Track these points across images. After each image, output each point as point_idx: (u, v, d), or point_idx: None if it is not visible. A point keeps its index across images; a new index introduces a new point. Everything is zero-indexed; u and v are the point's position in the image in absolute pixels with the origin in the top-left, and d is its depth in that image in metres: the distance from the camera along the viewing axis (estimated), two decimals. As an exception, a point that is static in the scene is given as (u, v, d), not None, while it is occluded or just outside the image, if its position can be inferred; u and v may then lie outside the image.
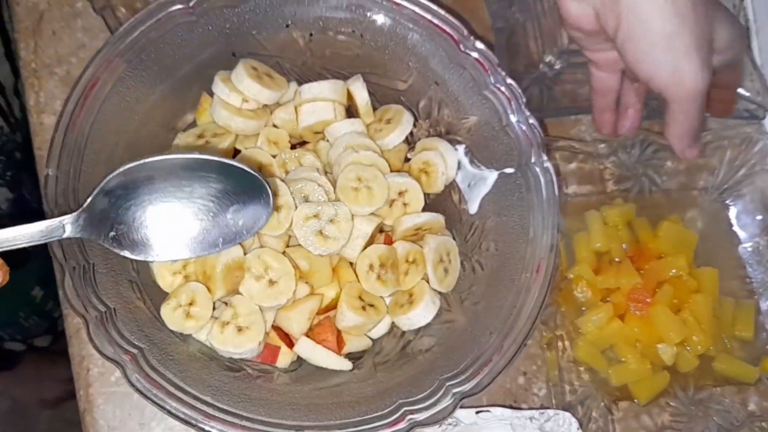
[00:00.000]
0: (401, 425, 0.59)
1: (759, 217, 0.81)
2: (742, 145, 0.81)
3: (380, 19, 0.69)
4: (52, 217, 0.58)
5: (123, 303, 0.60)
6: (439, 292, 0.69)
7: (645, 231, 0.79)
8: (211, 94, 0.70)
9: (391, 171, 0.71)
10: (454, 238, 0.71)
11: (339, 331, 0.67)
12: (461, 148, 0.72)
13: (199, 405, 0.57)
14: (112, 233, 0.54)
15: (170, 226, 0.55)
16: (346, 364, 0.66)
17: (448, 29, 0.68)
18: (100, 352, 0.57)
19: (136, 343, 0.58)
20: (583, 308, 0.76)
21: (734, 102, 0.78)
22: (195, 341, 0.63)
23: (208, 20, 0.68)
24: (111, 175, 0.52)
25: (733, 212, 0.82)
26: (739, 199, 0.82)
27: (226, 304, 0.64)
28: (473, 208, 0.71)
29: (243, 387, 0.61)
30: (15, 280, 0.52)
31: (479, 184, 0.71)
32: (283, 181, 0.66)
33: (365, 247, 0.66)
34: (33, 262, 1.05)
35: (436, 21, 0.68)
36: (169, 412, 0.56)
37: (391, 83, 0.74)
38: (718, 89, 0.65)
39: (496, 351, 0.62)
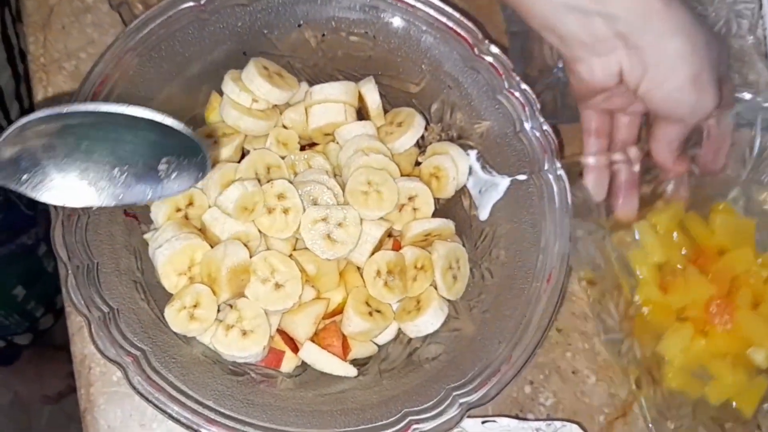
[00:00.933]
0: (405, 435, 0.58)
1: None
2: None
3: (394, 20, 0.68)
4: (58, 214, 0.57)
5: (126, 304, 0.59)
6: (448, 300, 0.68)
7: (700, 228, 0.71)
8: (221, 93, 0.69)
9: (402, 175, 0.70)
10: (463, 245, 0.70)
11: (345, 337, 0.66)
12: (473, 153, 0.71)
13: (201, 409, 0.56)
14: (26, 176, 0.50)
15: (94, 171, 0.52)
16: (351, 370, 0.65)
17: (462, 32, 0.67)
18: (102, 353, 0.56)
19: (139, 345, 0.57)
20: (660, 333, 0.69)
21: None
22: (199, 344, 0.62)
23: (220, 18, 0.67)
24: (28, 119, 0.48)
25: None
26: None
27: (231, 306, 0.63)
28: (484, 214, 0.70)
29: (246, 392, 0.60)
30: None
31: (491, 191, 0.69)
32: (291, 183, 0.64)
33: (373, 252, 0.65)
34: (16, 262, 1.05)
35: (450, 24, 0.67)
36: (171, 416, 0.55)
37: (404, 86, 0.73)
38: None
39: (504, 361, 0.61)
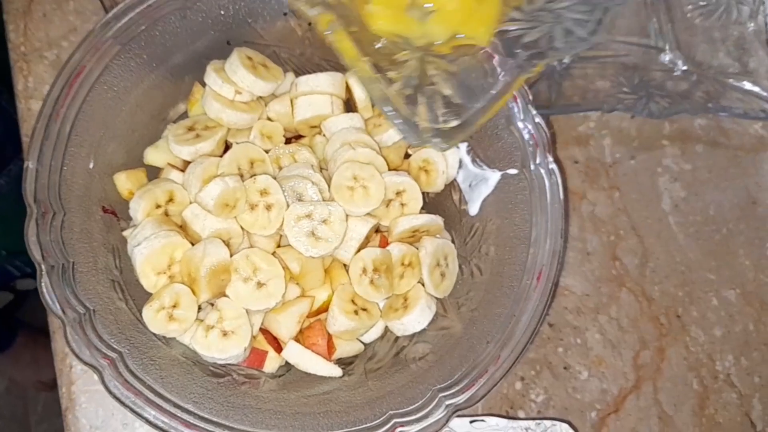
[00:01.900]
0: (390, 439, 0.56)
1: None
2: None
3: (382, 9, 0.66)
4: (32, 212, 0.56)
5: (103, 304, 0.58)
6: (436, 298, 0.66)
7: None
8: (204, 84, 0.67)
9: (390, 168, 0.68)
10: (453, 240, 0.68)
11: (330, 336, 0.64)
12: (463, 146, 0.69)
13: (179, 413, 0.55)
14: None
15: None
16: (335, 371, 0.63)
17: (452, 21, 0.65)
18: (77, 356, 0.54)
19: (116, 347, 0.56)
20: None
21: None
22: (178, 344, 0.61)
23: (203, 6, 0.65)
24: None
25: None
26: None
27: (212, 305, 0.61)
28: (474, 209, 0.68)
29: (227, 394, 0.58)
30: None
31: (481, 185, 0.68)
32: (275, 178, 0.63)
33: (359, 249, 0.64)
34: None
35: (439, 13, 0.65)
36: (148, 421, 0.54)
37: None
38: None
39: (492, 361, 0.59)
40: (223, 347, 0.59)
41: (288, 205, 0.62)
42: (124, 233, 0.63)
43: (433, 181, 0.68)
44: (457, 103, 0.59)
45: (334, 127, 0.68)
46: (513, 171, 0.65)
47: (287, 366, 0.64)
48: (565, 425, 0.69)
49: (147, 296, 0.60)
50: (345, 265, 0.65)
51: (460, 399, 0.58)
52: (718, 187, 0.83)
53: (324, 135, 0.69)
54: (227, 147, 0.67)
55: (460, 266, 0.67)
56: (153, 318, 0.58)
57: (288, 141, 0.68)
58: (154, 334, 0.59)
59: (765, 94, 0.77)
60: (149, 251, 0.59)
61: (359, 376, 0.63)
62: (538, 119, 0.64)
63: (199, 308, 0.60)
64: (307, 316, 0.64)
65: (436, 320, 0.65)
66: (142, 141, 0.67)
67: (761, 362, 0.78)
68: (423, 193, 0.68)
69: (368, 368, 0.64)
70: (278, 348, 0.63)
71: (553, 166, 0.64)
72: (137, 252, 0.59)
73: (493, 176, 0.66)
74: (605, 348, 0.77)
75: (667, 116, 0.80)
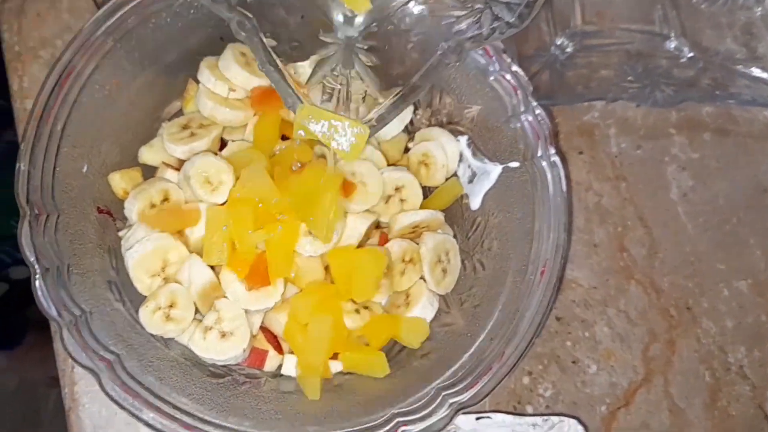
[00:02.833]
0: (391, 438, 0.55)
1: None
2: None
3: (378, 0, 0.65)
4: (25, 214, 0.55)
5: (100, 306, 0.57)
6: (438, 294, 0.65)
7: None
8: (199, 82, 0.66)
9: (389, 163, 0.67)
10: (454, 236, 0.67)
11: (331, 334, 0.63)
12: (463, 139, 0.67)
13: (178, 415, 0.54)
14: None
15: None
16: (337, 367, 0.62)
17: (450, 12, 0.64)
18: (73, 359, 0.54)
19: (113, 349, 0.55)
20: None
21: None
22: (177, 345, 0.60)
23: (195, 2, 0.63)
24: None
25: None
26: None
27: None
28: (475, 203, 0.67)
29: (227, 395, 0.57)
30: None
31: (482, 179, 0.66)
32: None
33: (359, 246, 0.63)
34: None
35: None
36: (146, 423, 0.53)
37: (390, 68, 0.69)
38: None
39: (496, 358, 0.58)
40: (221, 349, 0.58)
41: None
42: (120, 233, 0.62)
43: (432, 175, 0.67)
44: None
45: (334, 122, 0.67)
46: (515, 164, 0.64)
47: (288, 365, 0.63)
48: (573, 421, 0.67)
49: (144, 297, 0.59)
50: (345, 262, 0.64)
51: (464, 397, 0.57)
52: (727, 175, 0.81)
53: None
54: (223, 144, 0.66)
55: (462, 261, 0.66)
56: (150, 318, 0.58)
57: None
58: (152, 335, 0.59)
59: (774, 79, 0.75)
60: (141, 254, 0.58)
61: (361, 375, 0.62)
62: (538, 111, 0.63)
63: (196, 310, 0.59)
64: (308, 315, 0.63)
65: (438, 317, 0.64)
66: (137, 140, 0.66)
67: (774, 353, 0.76)
68: (423, 188, 0.66)
69: (370, 367, 0.63)
70: (278, 347, 0.62)
71: (555, 158, 0.62)
72: (129, 255, 0.58)
73: (495, 170, 0.65)
74: (614, 341, 0.75)
75: (673, 105, 0.79)
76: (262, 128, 0.65)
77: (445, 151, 0.67)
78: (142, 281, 0.59)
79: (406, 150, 0.70)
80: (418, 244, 0.64)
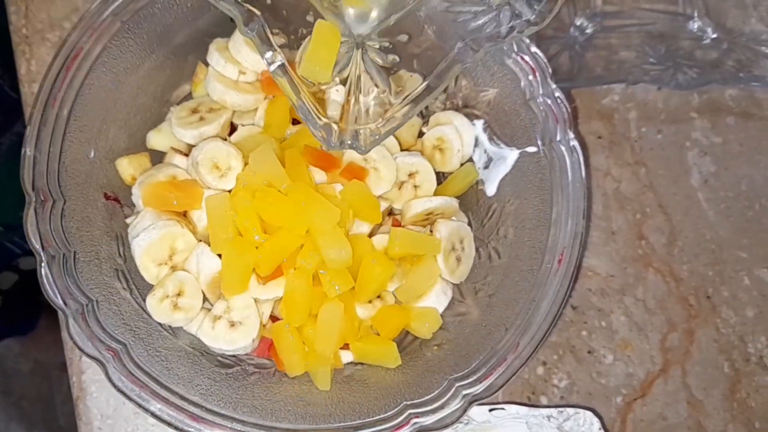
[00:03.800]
0: (405, 429, 0.54)
1: None
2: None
3: (393, -20, 0.63)
4: (31, 201, 0.54)
5: (107, 294, 0.56)
6: (452, 283, 0.63)
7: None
8: (208, 64, 0.65)
9: (403, 148, 0.65)
10: (469, 223, 0.65)
11: (342, 323, 0.62)
12: (479, 123, 0.66)
13: (186, 406, 0.53)
14: None
15: None
16: (347, 357, 0.61)
17: (467, -8, 0.61)
18: (80, 349, 0.53)
19: (120, 338, 0.54)
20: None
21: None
22: (185, 334, 0.59)
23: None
24: None
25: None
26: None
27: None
28: (491, 189, 0.65)
29: (236, 385, 0.56)
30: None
31: (498, 164, 0.65)
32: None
33: (371, 234, 0.61)
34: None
35: (453, -18, 0.61)
36: (153, 414, 0.52)
37: (405, 49, 0.67)
38: None
39: (511, 349, 0.57)
40: (231, 338, 0.57)
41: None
42: (128, 220, 0.61)
43: (448, 160, 0.65)
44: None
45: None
46: (532, 149, 0.62)
47: (298, 355, 0.62)
48: (588, 413, 0.66)
49: (152, 285, 0.58)
50: (357, 249, 0.62)
51: (478, 389, 0.56)
52: (750, 160, 0.79)
53: (334, 114, 0.66)
54: (233, 129, 0.65)
55: (477, 249, 0.65)
56: (157, 307, 0.57)
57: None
58: (160, 324, 0.58)
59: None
60: (148, 243, 0.57)
61: (372, 366, 0.61)
62: (558, 93, 0.61)
63: (204, 298, 0.58)
64: (319, 303, 0.61)
65: (452, 306, 0.63)
66: (145, 124, 0.65)
67: (796, 344, 0.75)
68: (437, 173, 0.65)
69: (382, 357, 0.62)
70: (289, 337, 0.61)
71: (574, 142, 0.60)
72: (136, 244, 0.57)
73: (512, 154, 0.63)
74: (631, 331, 0.73)
75: (695, 87, 0.76)
76: (273, 112, 0.63)
77: (461, 136, 0.65)
78: (149, 270, 0.57)
79: (420, 134, 0.68)
80: (431, 231, 0.63)
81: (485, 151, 0.66)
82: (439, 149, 0.65)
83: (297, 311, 0.57)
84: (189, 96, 0.67)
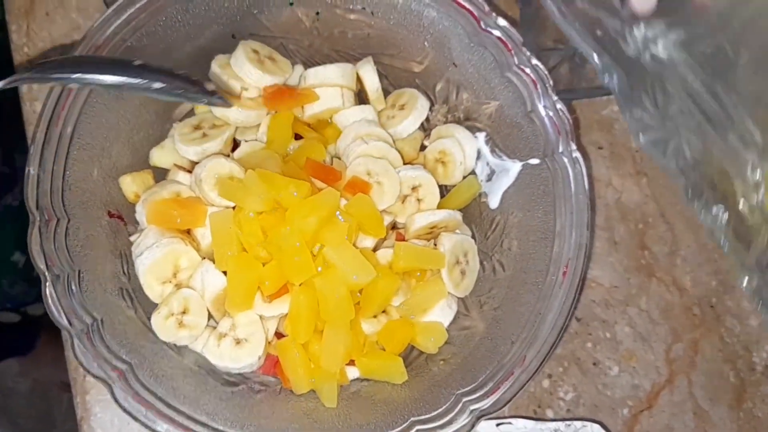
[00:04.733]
0: (414, 450, 0.54)
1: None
2: None
3: (393, -7, 0.63)
4: (35, 220, 0.54)
5: (111, 313, 0.56)
6: (457, 296, 0.63)
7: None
8: (210, 81, 0.65)
9: (405, 161, 0.65)
10: (472, 236, 0.65)
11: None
12: (481, 135, 0.66)
13: (193, 425, 0.53)
14: None
15: None
16: (353, 373, 0.61)
17: (467, 5, 0.62)
18: (85, 369, 0.53)
19: (125, 358, 0.54)
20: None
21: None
22: (190, 353, 0.59)
23: (205, -1, 0.62)
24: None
25: None
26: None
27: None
28: (494, 202, 0.65)
29: (242, 404, 0.56)
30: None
31: (501, 176, 0.64)
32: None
33: (375, 249, 0.61)
34: (6, 227, 0.99)
35: (453, -4, 0.62)
36: (160, 435, 0.52)
37: (405, 65, 0.67)
38: None
39: (518, 363, 0.57)
40: (236, 356, 0.57)
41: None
42: (131, 238, 0.60)
43: (450, 173, 0.65)
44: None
45: (346, 121, 0.65)
46: (535, 161, 0.62)
47: (304, 372, 0.62)
48: (596, 426, 0.66)
49: (156, 304, 0.58)
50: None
51: (485, 404, 0.56)
52: (751, 169, 0.79)
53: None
54: (236, 145, 0.65)
55: (481, 262, 0.64)
56: (162, 325, 0.56)
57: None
58: (165, 343, 0.57)
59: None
60: (151, 261, 0.56)
61: (378, 381, 0.61)
62: (559, 105, 0.61)
63: (209, 316, 0.58)
64: (324, 319, 0.61)
65: (457, 320, 0.63)
66: (148, 141, 0.64)
67: (801, 352, 0.74)
68: (440, 186, 0.65)
69: (388, 372, 0.61)
70: (294, 353, 0.61)
71: (576, 154, 0.60)
72: (139, 263, 0.57)
73: (514, 167, 0.63)
74: (636, 341, 0.73)
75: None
76: (276, 127, 0.63)
77: (463, 149, 0.65)
78: (153, 288, 0.57)
79: (422, 148, 0.68)
80: (435, 245, 0.63)
81: (488, 164, 0.66)
82: (442, 162, 0.65)
83: (302, 328, 0.57)
84: (191, 113, 0.67)
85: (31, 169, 0.55)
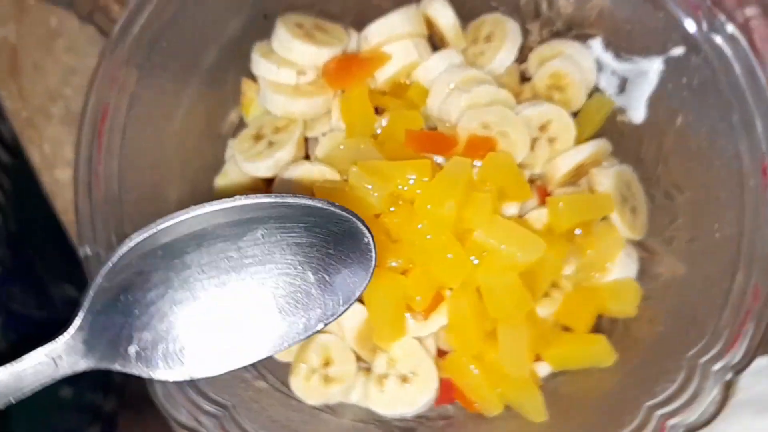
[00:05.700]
0: (664, 439, 0.42)
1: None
2: None
3: None
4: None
5: (240, 393, 0.44)
6: (635, 241, 0.51)
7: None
8: (254, 78, 0.53)
9: (511, 101, 0.53)
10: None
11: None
12: (596, 42, 0.53)
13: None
14: (132, 348, 0.36)
15: (222, 318, 0.37)
16: (543, 370, 0.49)
17: None
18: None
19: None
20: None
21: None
22: (348, 409, 0.47)
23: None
24: (111, 261, 0.35)
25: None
26: None
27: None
28: (639, 115, 0.53)
29: (432, 451, 0.44)
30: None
31: (638, 82, 0.52)
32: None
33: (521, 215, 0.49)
34: None
35: None
36: None
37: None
38: None
39: (750, 294, 0.44)
40: (410, 398, 0.45)
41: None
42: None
43: (572, 97, 0.53)
44: None
45: (430, 74, 0.53)
46: (678, 50, 0.49)
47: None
48: None
49: (286, 366, 0.46)
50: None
51: (730, 358, 0.43)
52: None
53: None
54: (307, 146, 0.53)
55: (647, 193, 0.52)
56: (305, 387, 0.45)
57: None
58: (315, 407, 0.45)
59: None
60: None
61: (578, 372, 0.48)
62: (693, -28, 0.48)
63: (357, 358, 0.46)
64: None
65: (646, 269, 0.50)
66: (205, 171, 0.53)
67: None
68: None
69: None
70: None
71: (730, 27, 0.47)
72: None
73: (652, 65, 0.51)
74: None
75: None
76: (351, 108, 0.51)
77: (578, 64, 0.53)
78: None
79: (525, 79, 0.55)
80: (590, 189, 0.50)
81: (613, 73, 0.53)
82: (557, 88, 0.53)
83: (471, 336, 0.45)
84: (242, 123, 0.55)
85: (88, 249, 0.44)
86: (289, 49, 0.50)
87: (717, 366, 0.43)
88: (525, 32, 0.55)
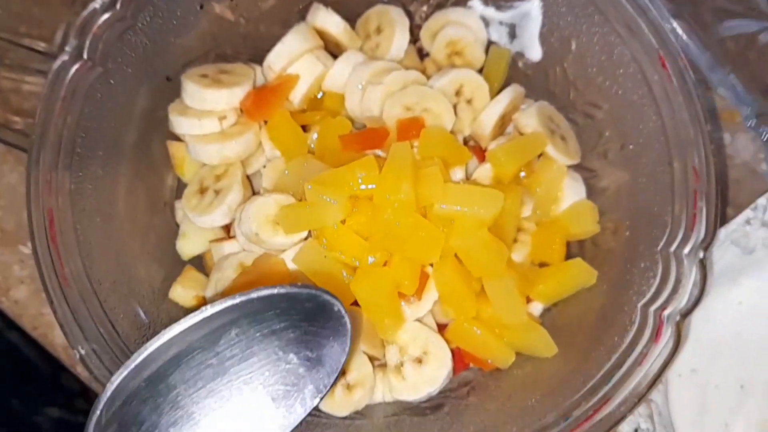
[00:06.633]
0: (665, 330, 0.45)
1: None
2: None
3: None
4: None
5: None
6: (572, 166, 0.54)
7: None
8: (178, 138, 0.54)
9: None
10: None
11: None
12: (475, 2, 0.57)
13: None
14: None
15: (220, 425, 0.39)
16: (536, 309, 0.52)
17: None
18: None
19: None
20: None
21: None
22: (376, 408, 0.48)
23: (114, 60, 0.50)
24: (101, 401, 0.36)
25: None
26: None
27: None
28: (536, 54, 0.56)
29: (467, 419, 0.46)
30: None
31: (525, 25, 0.55)
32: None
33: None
34: None
35: None
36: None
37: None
38: None
39: (690, 176, 0.47)
40: (430, 377, 0.47)
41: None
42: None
43: (472, 58, 0.56)
44: None
45: (340, 80, 0.55)
46: (551, -17, 0.53)
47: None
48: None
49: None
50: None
51: (694, 237, 0.46)
52: None
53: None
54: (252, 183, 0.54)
55: (568, 119, 0.55)
56: (332, 402, 0.47)
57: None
58: (346, 418, 0.47)
59: None
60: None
61: (567, 299, 0.51)
62: None
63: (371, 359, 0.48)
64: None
65: (594, 186, 0.54)
66: (163, 240, 0.54)
67: None
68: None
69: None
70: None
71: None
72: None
73: (532, 5, 0.54)
74: None
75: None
76: (279, 135, 0.53)
77: (467, 26, 0.56)
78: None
79: (423, 57, 0.58)
80: (519, 133, 0.53)
81: (501, 23, 0.56)
82: (456, 53, 0.56)
83: (464, 301, 0.47)
84: (181, 184, 0.55)
85: (80, 349, 0.44)
86: (202, 100, 0.51)
87: (687, 249, 0.46)
88: (409, 14, 0.58)
